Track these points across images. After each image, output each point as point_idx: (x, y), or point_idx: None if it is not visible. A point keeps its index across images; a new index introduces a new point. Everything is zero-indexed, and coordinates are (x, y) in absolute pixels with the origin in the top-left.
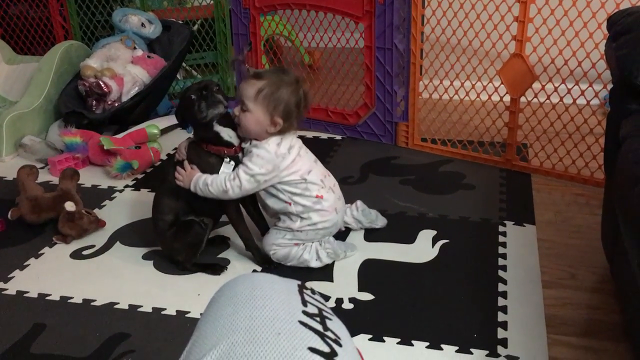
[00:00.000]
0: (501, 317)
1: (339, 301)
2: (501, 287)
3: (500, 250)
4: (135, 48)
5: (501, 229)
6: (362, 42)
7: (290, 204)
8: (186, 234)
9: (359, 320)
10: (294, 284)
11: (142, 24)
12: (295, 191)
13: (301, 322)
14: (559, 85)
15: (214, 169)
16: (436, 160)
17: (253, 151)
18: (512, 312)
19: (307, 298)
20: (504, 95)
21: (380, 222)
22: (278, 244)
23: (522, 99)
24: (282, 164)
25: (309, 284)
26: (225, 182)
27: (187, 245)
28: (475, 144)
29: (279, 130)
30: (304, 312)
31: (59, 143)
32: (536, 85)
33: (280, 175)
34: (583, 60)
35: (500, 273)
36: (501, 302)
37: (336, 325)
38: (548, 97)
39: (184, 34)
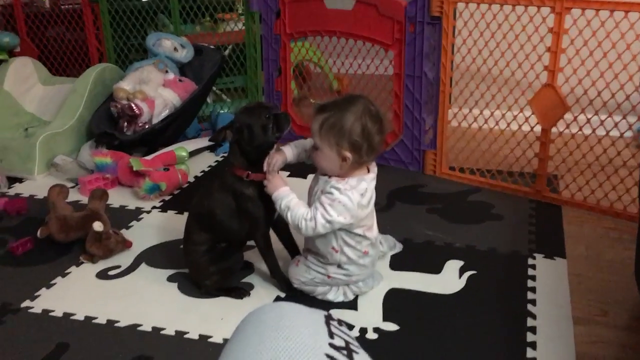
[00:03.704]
0: (530, 353)
1: (363, 331)
2: (530, 322)
3: (530, 283)
4: (167, 71)
5: (530, 261)
6: (391, 70)
7: (337, 251)
8: (226, 260)
9: (384, 351)
10: (320, 314)
11: (175, 48)
12: (350, 242)
13: (328, 355)
14: (592, 117)
15: (254, 202)
16: (464, 190)
17: (335, 195)
18: (542, 348)
19: (333, 330)
20: (535, 125)
21: (397, 247)
22: (304, 282)
23: (554, 129)
24: (361, 216)
25: (333, 312)
26: (301, 219)
27: (223, 270)
28: (504, 174)
29: (353, 166)
30: (331, 345)
31: (90, 163)
32: (568, 116)
33: (353, 225)
34: (617, 92)
35: (530, 307)
36: (530, 337)
37: (363, 359)
38: (580, 129)
39: (215, 58)
